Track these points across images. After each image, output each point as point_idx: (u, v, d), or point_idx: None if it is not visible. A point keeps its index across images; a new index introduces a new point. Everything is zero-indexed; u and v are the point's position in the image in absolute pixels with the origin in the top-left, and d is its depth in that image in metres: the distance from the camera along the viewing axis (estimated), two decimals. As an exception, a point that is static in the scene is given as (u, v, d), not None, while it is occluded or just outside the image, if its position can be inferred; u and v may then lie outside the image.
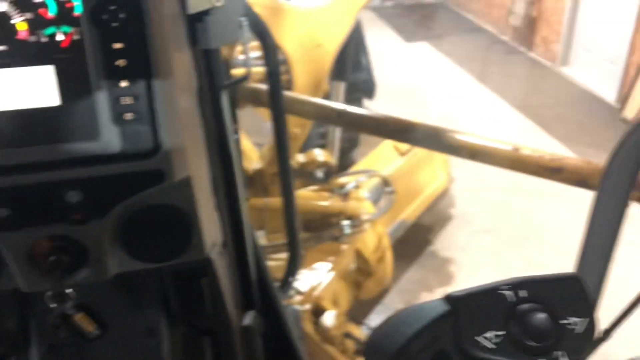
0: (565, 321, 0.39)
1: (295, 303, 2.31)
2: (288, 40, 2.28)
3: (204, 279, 1.00)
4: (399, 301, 3.61)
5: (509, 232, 4.33)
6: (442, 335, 0.38)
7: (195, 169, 0.90)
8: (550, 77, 7.27)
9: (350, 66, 2.87)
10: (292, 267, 1.61)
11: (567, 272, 0.41)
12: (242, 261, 1.20)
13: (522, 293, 0.40)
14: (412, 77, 7.34)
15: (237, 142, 1.42)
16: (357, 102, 4.78)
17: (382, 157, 3.83)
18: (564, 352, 0.38)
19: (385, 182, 3.13)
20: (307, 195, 2.73)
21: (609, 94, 6.41)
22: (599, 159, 1.42)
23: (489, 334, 0.38)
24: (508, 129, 5.92)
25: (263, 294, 1.26)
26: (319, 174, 2.59)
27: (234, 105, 1.66)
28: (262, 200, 2.53)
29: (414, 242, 4.16)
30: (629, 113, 6.05)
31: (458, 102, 6.62)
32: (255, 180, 2.51)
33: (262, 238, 2.79)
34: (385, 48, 8.13)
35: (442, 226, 4.47)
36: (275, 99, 1.35)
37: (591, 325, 0.39)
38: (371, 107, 5.98)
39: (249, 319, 1.15)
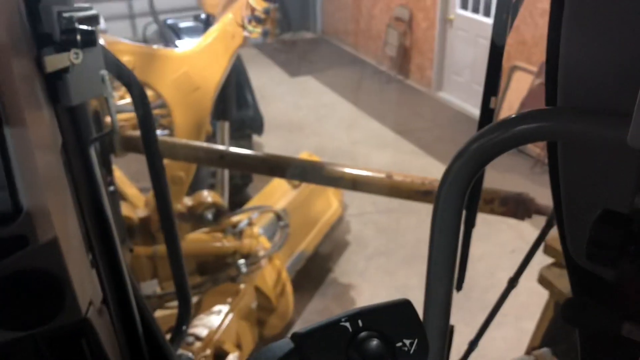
0: (399, 344, 0.43)
1: (195, 350, 2.26)
2: (165, 85, 2.28)
3: (83, 340, 0.96)
4: (303, 333, 3.61)
5: (403, 252, 4.52)
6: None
7: (63, 229, 0.88)
8: (427, 101, 7.74)
9: (233, 105, 2.90)
10: (184, 315, 1.59)
11: (399, 299, 0.45)
12: (126, 316, 1.17)
13: (360, 323, 0.43)
14: (298, 110, 7.51)
15: (114, 194, 1.39)
16: (246, 138, 4.82)
17: (275, 192, 3.87)
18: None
19: (279, 217, 3.17)
20: (199, 238, 2.70)
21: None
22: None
23: (333, 366, 0.41)
24: (392, 153, 6.21)
25: (152, 348, 1.23)
26: (209, 215, 2.57)
27: (109, 155, 1.63)
28: (151, 248, 2.46)
29: (315, 272, 4.22)
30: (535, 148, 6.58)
31: (343, 131, 6.85)
32: (142, 228, 2.44)
33: (155, 287, 2.71)
34: (271, 83, 8.27)
35: (339, 253, 4.57)
36: (150, 146, 1.35)
37: (422, 344, 0.43)
38: (261, 142, 6.05)
39: (137, 375, 1.12)
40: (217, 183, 3.13)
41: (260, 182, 4.45)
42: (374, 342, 0.42)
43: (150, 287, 2.79)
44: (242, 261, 2.77)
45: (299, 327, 3.68)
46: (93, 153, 1.08)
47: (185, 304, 1.57)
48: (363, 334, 0.43)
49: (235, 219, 2.92)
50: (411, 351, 0.43)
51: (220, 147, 2.14)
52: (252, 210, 3.10)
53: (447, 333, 0.88)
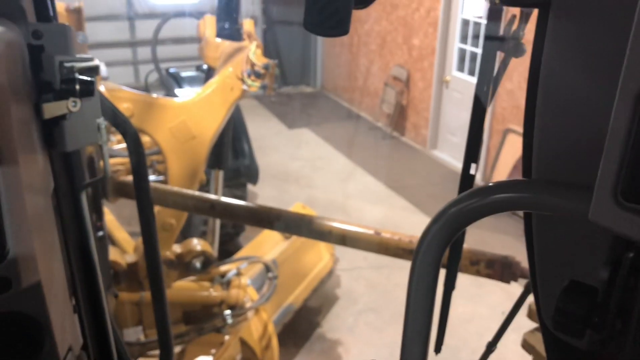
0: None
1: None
2: (161, 132, 2.31)
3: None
4: (287, 389, 3.54)
5: (393, 309, 4.47)
6: None
7: (48, 273, 0.88)
8: (422, 159, 7.84)
9: (229, 155, 2.94)
10: (165, 364, 1.56)
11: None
12: (105, 363, 1.15)
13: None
14: (294, 161, 7.58)
15: (103, 239, 1.40)
16: (241, 187, 4.85)
17: (266, 242, 3.86)
18: None
19: (267, 268, 3.15)
20: (186, 286, 2.67)
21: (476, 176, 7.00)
22: (467, 234, 1.58)
23: None
24: (385, 208, 6.23)
25: (130, 397, 1.21)
26: (197, 264, 2.56)
27: (100, 200, 1.64)
28: (137, 294, 2.44)
29: (302, 326, 4.16)
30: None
31: (338, 185, 6.90)
32: (130, 274, 2.43)
33: (140, 334, 2.67)
34: (269, 134, 8.37)
35: (328, 308, 4.52)
36: (141, 192, 1.36)
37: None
38: (256, 192, 6.07)
39: None
40: (208, 231, 3.13)
41: (252, 231, 4.44)
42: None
43: (135, 334, 2.75)
44: (228, 312, 2.74)
45: (282, 383, 3.59)
46: (84, 198, 1.10)
47: (167, 353, 1.55)
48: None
49: (223, 268, 2.91)
50: None
51: (211, 196, 2.16)
52: (241, 260, 3.08)
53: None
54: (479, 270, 1.62)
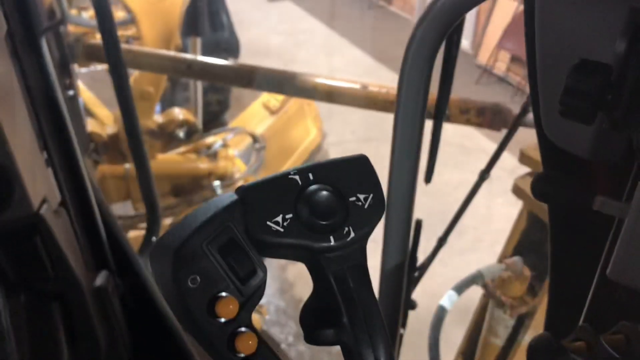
0: (352, 198, 0.39)
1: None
2: (130, -7, 2.15)
3: (37, 238, 0.92)
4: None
5: (381, 178, 4.52)
6: (232, 225, 0.37)
7: (9, 119, 0.82)
8: (409, 29, 7.56)
9: (204, 22, 2.77)
10: (153, 226, 1.56)
11: (356, 154, 0.42)
12: (88, 221, 1.13)
13: (311, 176, 0.39)
14: (276, 36, 7.30)
15: (74, 98, 1.33)
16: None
17: (252, 118, 3.78)
18: (350, 227, 0.39)
19: (255, 139, 3.11)
20: (172, 159, 2.64)
21: (464, 43, 6.81)
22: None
23: (278, 218, 0.38)
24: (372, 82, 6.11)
25: (117, 255, 1.20)
26: (181, 133, 2.50)
27: (68, 60, 1.54)
28: (122, 167, 2.40)
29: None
30: (482, 58, 6.53)
31: (324, 59, 6.70)
32: (111, 146, 2.37)
33: (129, 208, 2.67)
34: (247, 7, 7.98)
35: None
36: (112, 54, 1.27)
37: (377, 199, 0.40)
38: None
39: (100, 279, 1.09)
40: (190, 101, 3.04)
41: (238, 109, 4.34)
42: (325, 195, 0.38)
43: (123, 208, 2.76)
44: (217, 183, 2.74)
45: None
46: (44, 45, 1.01)
47: (154, 215, 1.54)
48: (313, 187, 0.39)
49: (209, 140, 2.86)
50: (365, 206, 0.40)
51: (188, 56, 2.05)
52: (227, 130, 3.03)
53: (411, 224, 0.86)
54: (469, 119, 1.58)
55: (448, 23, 0.50)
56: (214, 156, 2.81)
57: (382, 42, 7.14)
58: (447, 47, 0.78)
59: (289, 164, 3.95)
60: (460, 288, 1.32)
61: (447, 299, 1.26)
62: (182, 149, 2.79)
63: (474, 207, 1.41)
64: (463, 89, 5.26)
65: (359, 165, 0.41)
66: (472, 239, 4.03)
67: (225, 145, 2.90)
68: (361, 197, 0.39)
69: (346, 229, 0.38)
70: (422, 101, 0.56)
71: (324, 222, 0.38)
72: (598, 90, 0.41)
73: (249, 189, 0.38)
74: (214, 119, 4.54)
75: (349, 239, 0.38)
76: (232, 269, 0.37)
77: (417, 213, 0.89)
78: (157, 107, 2.95)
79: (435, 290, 1.60)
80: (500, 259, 1.57)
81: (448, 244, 1.31)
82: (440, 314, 1.24)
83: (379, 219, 0.40)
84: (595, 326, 0.57)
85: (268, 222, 0.37)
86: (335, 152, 4.91)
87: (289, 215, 0.37)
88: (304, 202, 0.38)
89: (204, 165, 2.72)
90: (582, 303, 0.67)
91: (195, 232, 0.36)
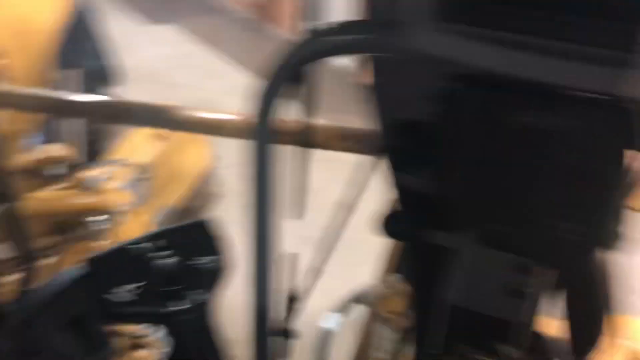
0: (195, 262, 0.42)
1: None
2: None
3: None
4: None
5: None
6: (81, 298, 0.39)
7: None
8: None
9: (78, 52, 2.67)
10: (30, 278, 1.49)
11: (196, 219, 0.45)
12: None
13: (158, 244, 0.42)
14: (161, 59, 7.18)
15: None
16: (93, 92, 4.44)
17: (140, 146, 3.67)
18: (198, 290, 0.41)
19: (139, 169, 3.03)
20: (50, 196, 2.51)
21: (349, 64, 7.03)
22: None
23: (130, 287, 0.40)
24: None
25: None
26: (60, 170, 2.39)
27: None
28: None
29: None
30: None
31: (209, 82, 6.69)
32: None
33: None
34: (131, 31, 7.77)
35: (214, 205, 4.49)
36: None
37: (218, 261, 0.43)
38: (120, 95, 5.67)
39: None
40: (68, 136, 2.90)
41: (126, 137, 4.20)
42: (170, 262, 0.41)
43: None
44: (102, 217, 2.64)
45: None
46: None
47: (30, 267, 1.47)
48: (160, 254, 0.41)
49: (92, 173, 2.75)
50: (207, 268, 0.43)
51: (53, 93, 1.96)
52: (110, 163, 2.93)
53: (279, 259, 0.89)
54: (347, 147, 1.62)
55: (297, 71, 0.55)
56: (97, 190, 2.71)
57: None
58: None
59: (181, 191, 3.87)
60: (341, 309, 1.37)
61: (330, 320, 1.30)
62: (64, 184, 2.67)
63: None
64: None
65: (199, 230, 0.44)
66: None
67: (109, 178, 2.81)
68: (204, 259, 0.42)
69: (191, 293, 0.41)
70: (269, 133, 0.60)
71: (169, 289, 0.40)
72: (416, 146, 0.46)
73: (100, 259, 0.40)
74: (100, 150, 4.34)
75: (197, 302, 0.41)
76: (80, 344, 0.38)
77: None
78: (40, 138, 2.81)
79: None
80: (381, 278, 1.64)
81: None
82: (325, 336, 1.28)
83: (223, 279, 0.43)
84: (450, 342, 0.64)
85: (118, 293, 0.39)
86: (230, 175, 4.85)
87: (141, 284, 0.39)
88: (152, 270, 0.40)
89: (87, 199, 2.62)
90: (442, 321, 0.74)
91: (42, 310, 0.37)
